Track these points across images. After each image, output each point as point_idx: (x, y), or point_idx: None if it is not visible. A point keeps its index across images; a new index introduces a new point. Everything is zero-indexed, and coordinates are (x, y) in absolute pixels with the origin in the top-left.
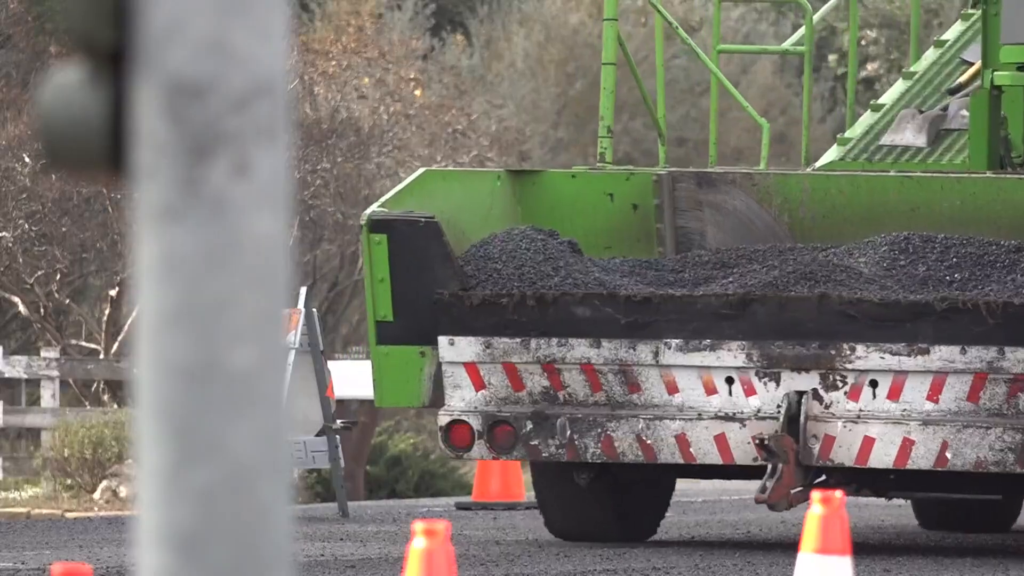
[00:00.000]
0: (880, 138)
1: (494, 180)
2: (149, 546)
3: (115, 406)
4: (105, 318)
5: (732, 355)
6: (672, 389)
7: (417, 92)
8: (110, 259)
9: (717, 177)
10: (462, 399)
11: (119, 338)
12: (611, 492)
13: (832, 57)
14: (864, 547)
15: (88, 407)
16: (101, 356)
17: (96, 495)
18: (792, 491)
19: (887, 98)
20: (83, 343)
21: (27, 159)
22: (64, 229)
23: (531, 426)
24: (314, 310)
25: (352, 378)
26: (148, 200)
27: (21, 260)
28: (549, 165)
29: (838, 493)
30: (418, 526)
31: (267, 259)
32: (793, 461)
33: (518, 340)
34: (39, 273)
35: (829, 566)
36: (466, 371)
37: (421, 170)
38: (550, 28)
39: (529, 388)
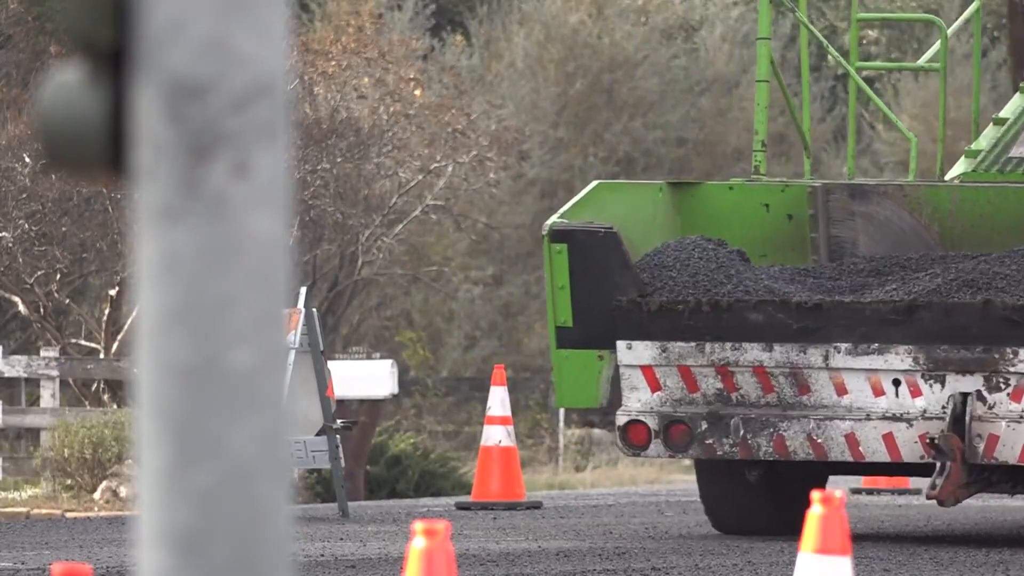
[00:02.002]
0: (1009, 150)
1: (657, 191)
2: (149, 546)
3: (115, 406)
4: (105, 318)
5: (899, 358)
6: (841, 391)
7: (417, 92)
8: (110, 259)
9: (869, 189)
10: (639, 400)
11: (119, 338)
12: (772, 488)
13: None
14: (864, 547)
15: (88, 407)
16: (101, 356)
17: (96, 495)
18: (959, 488)
19: (1008, 112)
20: (83, 343)
21: (27, 159)
22: (64, 229)
23: (706, 426)
24: (314, 310)
25: (352, 378)
26: (148, 200)
27: (21, 260)
28: (549, 165)
29: (838, 493)
30: (418, 526)
31: (267, 259)
32: (960, 459)
33: (693, 344)
34: (39, 273)
35: (829, 566)
36: (643, 374)
37: (594, 183)
38: (550, 28)
39: (703, 390)
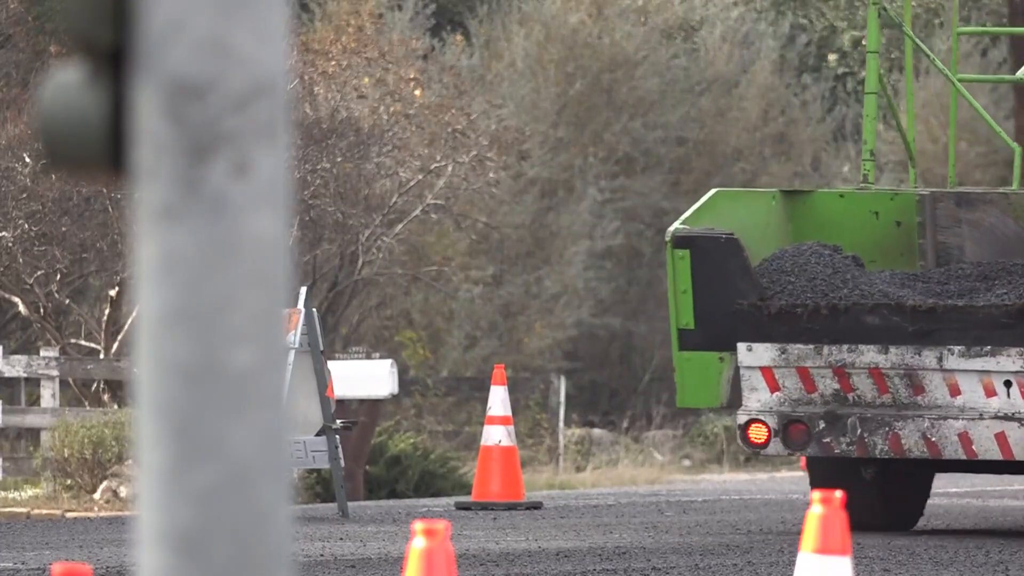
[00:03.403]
0: None
1: (770, 199)
2: (149, 546)
3: (115, 406)
4: (105, 318)
5: (1011, 360)
6: (954, 391)
7: (417, 92)
8: (110, 259)
9: (975, 196)
10: (758, 400)
11: (119, 338)
12: (884, 485)
13: (832, 57)
14: (864, 547)
15: (88, 407)
16: (101, 356)
17: (96, 495)
18: None
19: None
20: (83, 343)
21: (27, 159)
22: (64, 229)
23: (823, 425)
24: (314, 310)
25: (352, 378)
26: (148, 200)
27: (21, 260)
28: (549, 165)
29: (838, 492)
30: (418, 526)
31: (267, 259)
32: None
33: (811, 346)
34: (39, 273)
35: (829, 566)
36: (762, 375)
37: (713, 191)
38: (550, 28)
39: (821, 390)
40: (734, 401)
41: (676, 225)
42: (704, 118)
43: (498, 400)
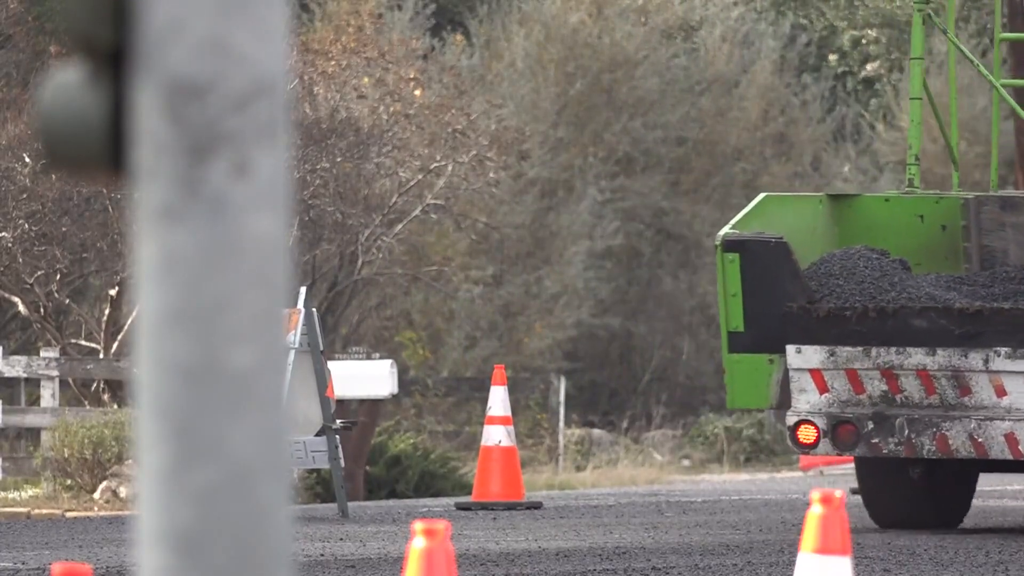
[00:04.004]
0: None
1: (817, 203)
2: (149, 546)
3: (115, 406)
4: (105, 318)
5: None
6: (1000, 392)
7: (417, 92)
8: (110, 259)
9: (1020, 200)
10: (807, 402)
11: (119, 338)
12: (930, 485)
13: (832, 57)
14: (864, 547)
15: (88, 407)
16: (101, 356)
17: (96, 495)
18: None
19: None
20: (83, 343)
21: (27, 159)
22: (64, 229)
23: (872, 425)
24: (314, 310)
25: (352, 378)
26: (148, 200)
27: (21, 260)
28: (549, 165)
29: (838, 492)
30: (418, 526)
31: (267, 259)
32: None
33: (860, 349)
34: (39, 273)
35: (829, 566)
36: (811, 376)
37: (761, 195)
38: (550, 28)
39: (869, 391)
40: (783, 402)
41: (726, 229)
42: (704, 118)
43: (498, 400)
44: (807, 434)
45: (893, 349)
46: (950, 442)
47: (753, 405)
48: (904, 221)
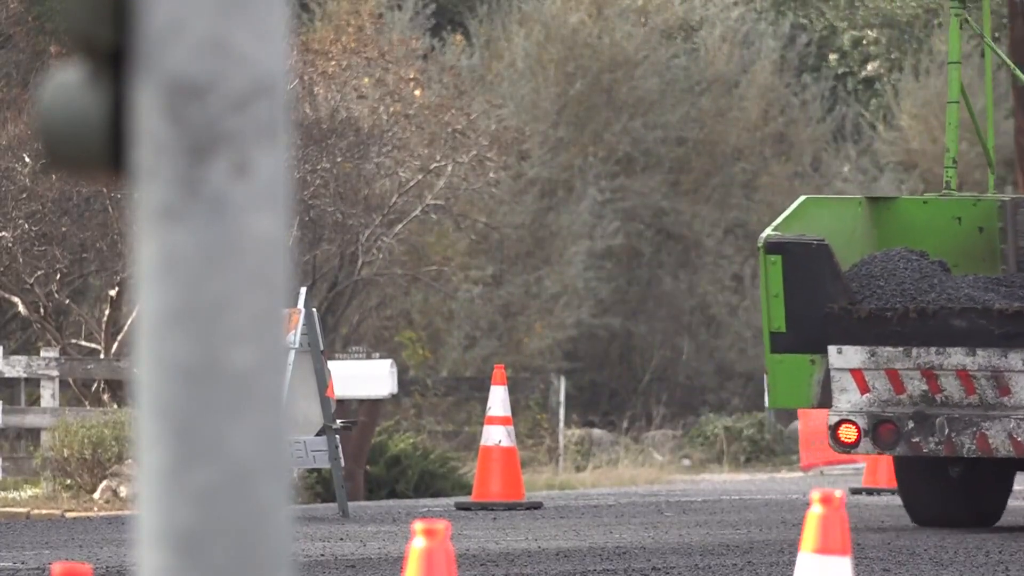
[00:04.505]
0: None
1: (856, 205)
2: (149, 546)
3: (115, 406)
4: (105, 318)
5: None
6: None
7: (417, 92)
8: (110, 259)
9: None
10: (848, 401)
11: (119, 338)
12: (968, 484)
13: (832, 57)
14: (864, 547)
15: (88, 407)
16: (101, 356)
17: (96, 495)
18: None
19: None
20: (83, 343)
21: (27, 159)
22: (64, 229)
23: (912, 425)
24: (314, 310)
25: (352, 378)
26: (148, 200)
27: (21, 260)
28: (549, 164)
29: (838, 492)
30: (418, 526)
31: (267, 259)
32: None
33: (900, 349)
34: (39, 273)
35: (829, 566)
36: (852, 376)
37: (802, 198)
38: (550, 28)
39: (909, 391)
40: (824, 402)
41: (768, 231)
42: (704, 118)
43: (498, 400)
44: (848, 433)
45: (933, 349)
46: (990, 441)
47: (794, 405)
48: (942, 223)
